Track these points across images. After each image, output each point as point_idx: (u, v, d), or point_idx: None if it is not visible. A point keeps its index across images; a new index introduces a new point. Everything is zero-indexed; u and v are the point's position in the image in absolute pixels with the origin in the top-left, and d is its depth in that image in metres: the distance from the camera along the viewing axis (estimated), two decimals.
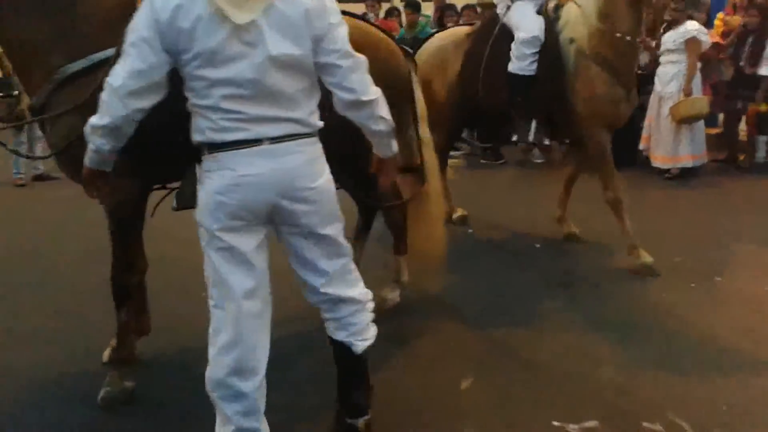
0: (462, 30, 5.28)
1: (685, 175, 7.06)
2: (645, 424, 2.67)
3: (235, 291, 2.15)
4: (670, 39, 6.85)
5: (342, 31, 2.20)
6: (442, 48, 5.14)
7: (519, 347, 3.38)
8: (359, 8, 8.72)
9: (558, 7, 4.64)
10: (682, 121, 6.83)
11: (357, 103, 2.24)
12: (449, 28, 6.19)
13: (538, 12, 4.70)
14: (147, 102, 2.10)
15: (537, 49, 4.55)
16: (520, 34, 4.60)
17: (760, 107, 7.46)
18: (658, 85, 7.07)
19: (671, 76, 6.91)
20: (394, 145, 2.46)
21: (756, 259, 4.64)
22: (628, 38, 4.29)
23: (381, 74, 2.73)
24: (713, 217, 5.64)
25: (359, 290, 2.42)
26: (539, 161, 8.28)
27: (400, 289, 3.98)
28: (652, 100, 7.19)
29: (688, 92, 6.82)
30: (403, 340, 3.46)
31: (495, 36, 4.77)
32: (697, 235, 5.13)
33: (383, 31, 3.71)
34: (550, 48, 4.52)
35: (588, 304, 3.95)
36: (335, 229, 2.31)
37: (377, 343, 2.48)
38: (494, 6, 5.06)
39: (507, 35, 4.70)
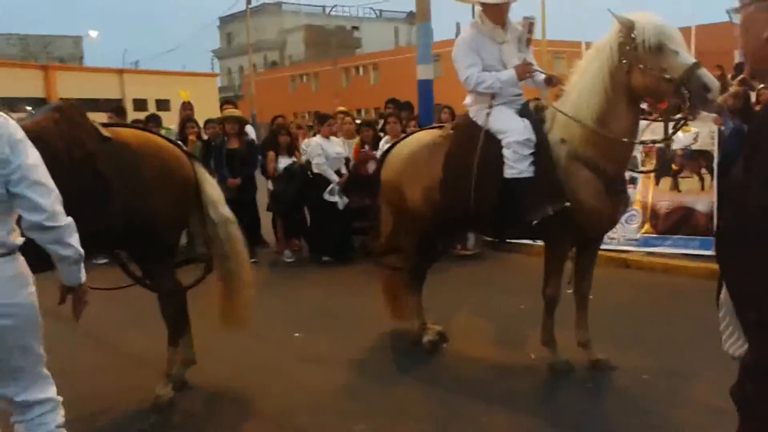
0: (430, 135, 5.04)
1: None
2: None
3: None
4: None
5: (28, 161, 2.41)
6: (414, 154, 4.93)
7: None
8: None
9: (538, 109, 4.56)
10: None
11: (42, 226, 2.41)
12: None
13: (520, 114, 4.55)
14: None
15: (532, 150, 4.37)
16: (511, 137, 4.39)
17: None
18: None
19: None
20: (82, 273, 2.61)
21: None
22: (625, 140, 4.16)
23: (164, 173, 3.88)
24: None
25: (52, 392, 2.65)
26: (469, 252, 8.39)
27: (171, 382, 4.18)
28: None
29: None
30: None
31: (483, 142, 4.54)
32: None
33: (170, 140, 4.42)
34: (539, 149, 4.35)
35: None
36: (36, 340, 2.56)
37: None
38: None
39: (493, 140, 4.50)
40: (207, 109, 18.87)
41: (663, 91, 3.95)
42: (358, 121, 9.97)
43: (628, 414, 3.93)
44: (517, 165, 4.37)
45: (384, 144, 8.00)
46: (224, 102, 10.21)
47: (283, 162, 8.65)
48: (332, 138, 8.57)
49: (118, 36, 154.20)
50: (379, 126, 9.45)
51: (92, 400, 4.17)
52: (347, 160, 8.59)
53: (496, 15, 4.63)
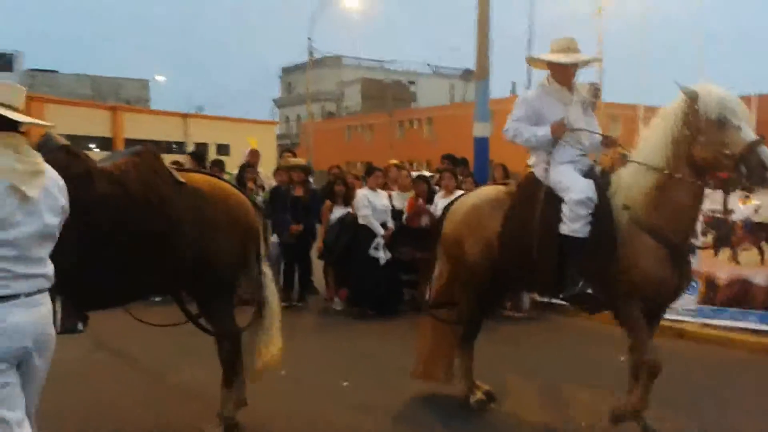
0: (494, 190, 5.13)
1: None
2: None
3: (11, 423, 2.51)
4: (444, 204, 7.09)
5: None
6: (476, 207, 4.98)
7: None
8: None
9: (605, 173, 4.58)
10: None
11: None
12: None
13: (585, 175, 4.54)
14: None
15: (591, 210, 4.34)
16: (571, 195, 4.38)
17: None
18: None
19: None
20: None
21: None
22: (698, 183, 4.09)
23: (231, 218, 4.09)
24: None
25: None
26: (518, 315, 8.31)
27: (222, 423, 4.29)
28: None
29: None
30: None
31: (544, 199, 4.55)
32: None
33: (234, 185, 4.74)
34: (601, 212, 4.32)
35: None
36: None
37: None
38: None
39: (553, 198, 4.51)
40: (265, 156, 19.38)
41: (722, 165, 3.96)
42: (414, 174, 10.10)
43: None
44: (572, 224, 4.37)
45: (438, 199, 8.13)
46: (284, 150, 10.54)
47: (338, 212, 8.79)
48: (379, 190, 8.64)
49: (184, 81, 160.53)
50: (434, 180, 9.58)
51: None
52: (399, 213, 8.69)
53: (564, 76, 4.70)
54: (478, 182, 9.63)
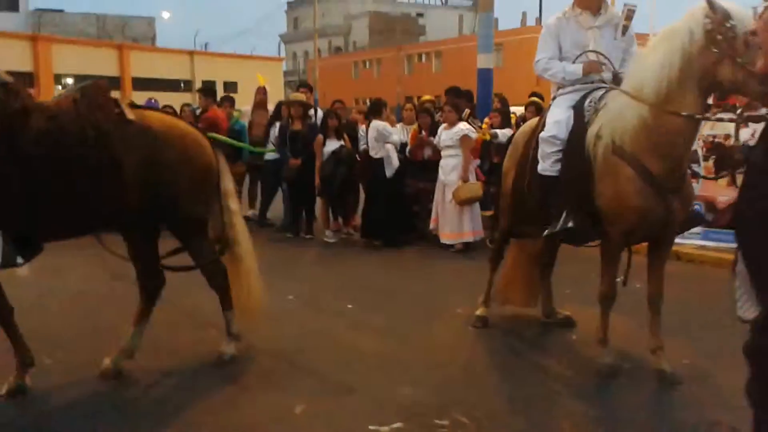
0: (532, 123, 5.07)
1: (468, 248, 8.10)
2: None
3: None
4: (448, 137, 8.09)
5: None
6: (515, 141, 5.15)
7: None
8: None
9: (602, 98, 4.28)
10: (462, 202, 7.99)
11: None
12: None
13: (577, 104, 4.36)
14: None
15: (558, 148, 4.28)
16: (541, 133, 4.41)
17: None
18: (441, 175, 8.22)
19: (452, 167, 8.11)
20: None
21: None
22: (697, 116, 3.80)
23: (186, 160, 4.15)
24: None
25: None
26: None
27: (234, 341, 4.53)
28: (438, 186, 8.29)
29: (465, 179, 8.03)
30: None
31: (536, 133, 4.56)
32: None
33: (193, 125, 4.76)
34: (573, 146, 4.19)
35: None
36: None
37: None
38: None
39: None
40: (272, 92, 19.34)
41: (752, 90, 3.54)
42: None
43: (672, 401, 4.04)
44: (543, 162, 4.36)
45: (441, 131, 8.25)
46: (299, 85, 10.60)
47: (331, 145, 8.71)
48: (388, 125, 8.69)
49: (190, 18, 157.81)
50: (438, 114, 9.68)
51: (159, 353, 4.64)
52: (404, 145, 8.80)
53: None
54: (481, 114, 9.81)
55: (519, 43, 33.65)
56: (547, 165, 4.35)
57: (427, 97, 10.89)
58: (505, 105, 9.72)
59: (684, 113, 3.77)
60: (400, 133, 8.90)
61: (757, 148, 1.97)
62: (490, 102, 10.31)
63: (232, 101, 10.68)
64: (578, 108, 4.36)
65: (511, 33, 37.87)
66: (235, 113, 10.46)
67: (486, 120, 9.45)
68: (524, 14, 51.81)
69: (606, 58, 4.49)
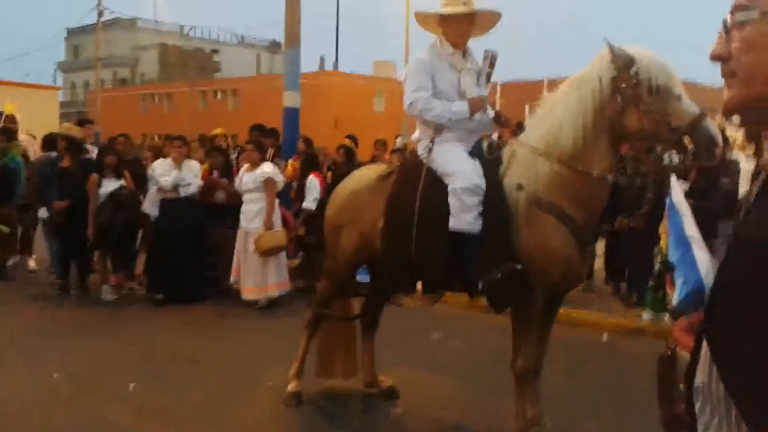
0: (373, 172, 4.48)
1: (274, 304, 7.31)
2: None
3: None
4: (250, 179, 7.29)
5: None
6: (355, 193, 4.37)
7: None
8: None
9: (492, 148, 4.01)
10: (266, 253, 7.16)
11: None
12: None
13: (471, 153, 4.00)
14: None
15: (480, 199, 3.79)
16: (456, 183, 3.83)
17: (299, 232, 8.12)
18: (243, 222, 7.38)
19: (254, 213, 7.29)
20: None
21: None
22: (609, 177, 3.66)
23: None
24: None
25: None
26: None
27: None
28: (239, 235, 7.44)
29: (269, 226, 7.21)
30: None
31: (423, 185, 3.97)
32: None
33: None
34: (492, 196, 3.78)
35: None
36: None
37: None
38: None
39: (437, 183, 3.93)
40: (46, 124, 17.14)
41: (663, 137, 3.42)
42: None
43: None
44: (462, 216, 3.77)
45: (243, 173, 7.44)
46: (81, 121, 9.28)
47: (109, 186, 7.48)
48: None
49: None
50: (235, 154, 8.95)
51: None
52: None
53: (457, 35, 4.08)
54: (287, 154, 9.20)
55: (318, 86, 33.89)
56: (468, 219, 3.77)
57: (218, 130, 10.10)
58: (309, 146, 9.34)
59: (595, 173, 3.59)
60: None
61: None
62: (296, 142, 9.68)
63: (10, 134, 8.90)
64: (480, 156, 3.97)
65: (310, 76, 38.09)
66: (14, 149, 8.77)
67: (290, 161, 8.89)
68: (322, 58, 52.84)
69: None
